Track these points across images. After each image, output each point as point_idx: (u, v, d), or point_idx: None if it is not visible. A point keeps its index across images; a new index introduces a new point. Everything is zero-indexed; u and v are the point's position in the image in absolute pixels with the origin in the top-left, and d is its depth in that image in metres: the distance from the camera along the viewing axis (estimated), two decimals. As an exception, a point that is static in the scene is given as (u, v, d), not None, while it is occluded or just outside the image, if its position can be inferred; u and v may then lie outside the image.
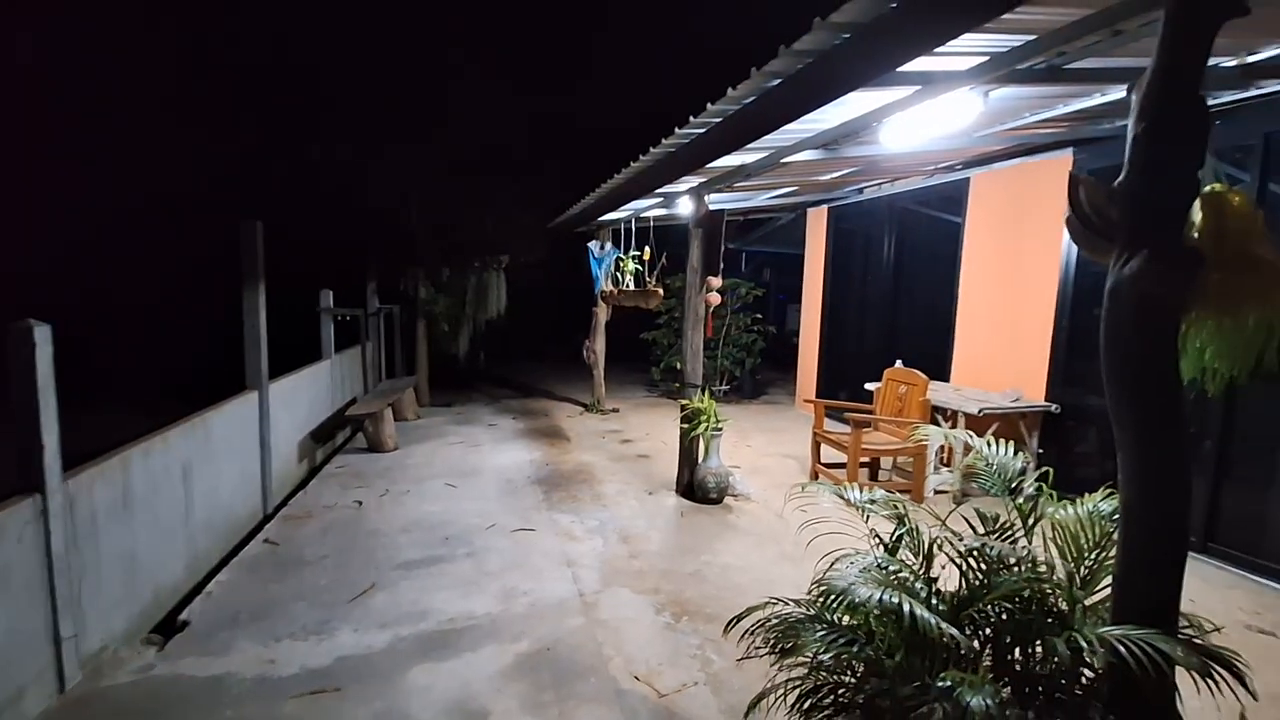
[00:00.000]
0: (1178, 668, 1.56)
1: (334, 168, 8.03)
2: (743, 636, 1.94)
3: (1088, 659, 1.70)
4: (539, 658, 2.93)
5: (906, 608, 1.55)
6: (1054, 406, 5.01)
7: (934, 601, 1.84)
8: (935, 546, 2.00)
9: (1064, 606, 1.84)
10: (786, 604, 2.03)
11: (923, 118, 3.10)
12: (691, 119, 3.13)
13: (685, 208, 5.88)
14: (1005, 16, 1.97)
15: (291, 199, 7.99)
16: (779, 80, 2.52)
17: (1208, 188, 1.56)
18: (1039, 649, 1.82)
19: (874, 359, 7.02)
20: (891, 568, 1.91)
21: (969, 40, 2.25)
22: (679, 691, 2.70)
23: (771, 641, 1.92)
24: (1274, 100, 3.56)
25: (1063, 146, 4.96)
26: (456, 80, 8.76)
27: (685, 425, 5.18)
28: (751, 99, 2.78)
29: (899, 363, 5.73)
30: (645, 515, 4.80)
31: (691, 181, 5.06)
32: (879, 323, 7.65)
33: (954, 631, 1.56)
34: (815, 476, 5.55)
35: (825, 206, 8.34)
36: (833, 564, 1.94)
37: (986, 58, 2.33)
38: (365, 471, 5.74)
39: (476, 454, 6.48)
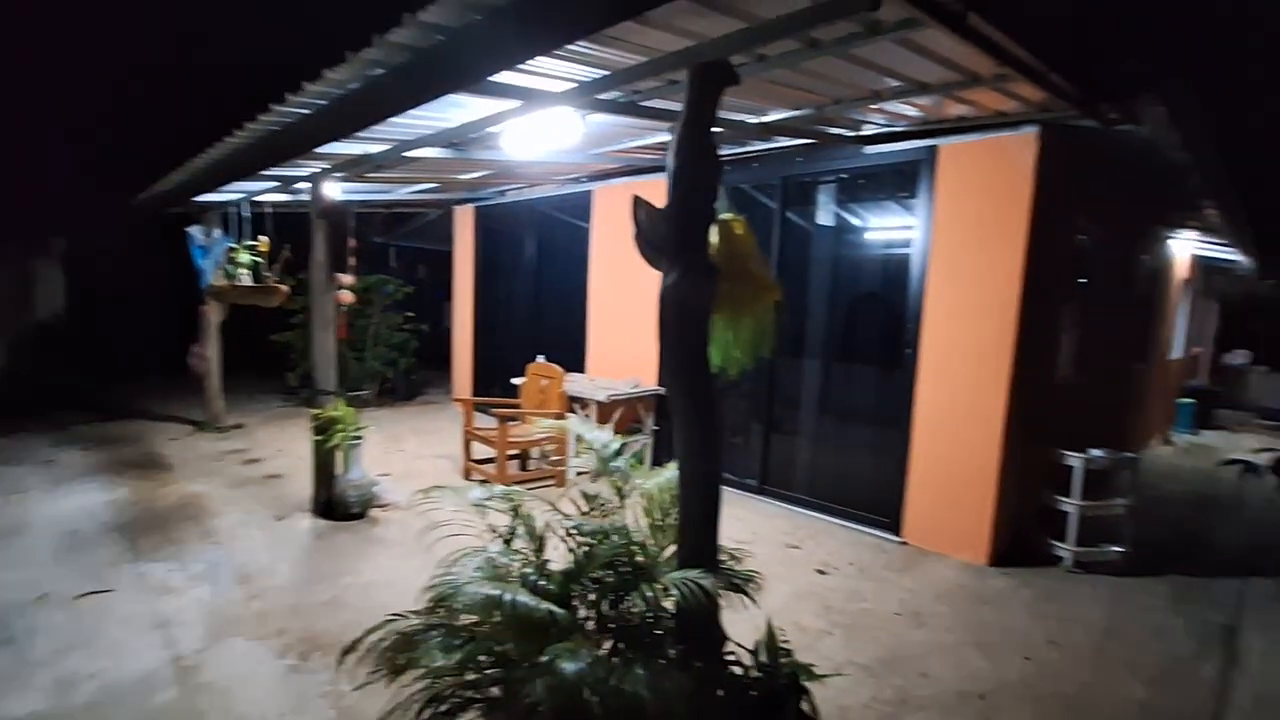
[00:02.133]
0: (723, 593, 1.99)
1: None
2: (362, 660, 1.82)
3: (663, 604, 2.03)
4: (104, 757, 2.31)
5: (507, 596, 1.64)
6: (665, 390, 5.93)
7: (543, 583, 1.99)
8: (548, 530, 2.17)
9: (647, 562, 2.17)
10: (406, 617, 1.97)
11: (536, 131, 3.32)
12: (289, 97, 2.80)
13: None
14: (584, 51, 2.21)
15: None
16: (382, 70, 2.41)
17: (721, 216, 1.98)
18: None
19: (524, 355, 7.35)
20: (504, 559, 2.00)
21: (558, 66, 2.47)
22: (302, 739, 2.42)
23: (389, 659, 1.84)
24: (787, 152, 4.77)
25: (662, 170, 5.86)
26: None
27: (319, 437, 4.67)
28: (356, 85, 2.61)
29: (541, 358, 6.10)
30: (272, 546, 4.18)
31: (312, 167, 4.55)
32: (526, 320, 8.03)
33: (551, 608, 1.70)
34: (468, 475, 5.57)
35: (471, 205, 8.38)
36: (449, 566, 1.95)
37: (575, 84, 2.60)
38: None
39: (17, 506, 4.81)
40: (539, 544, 2.14)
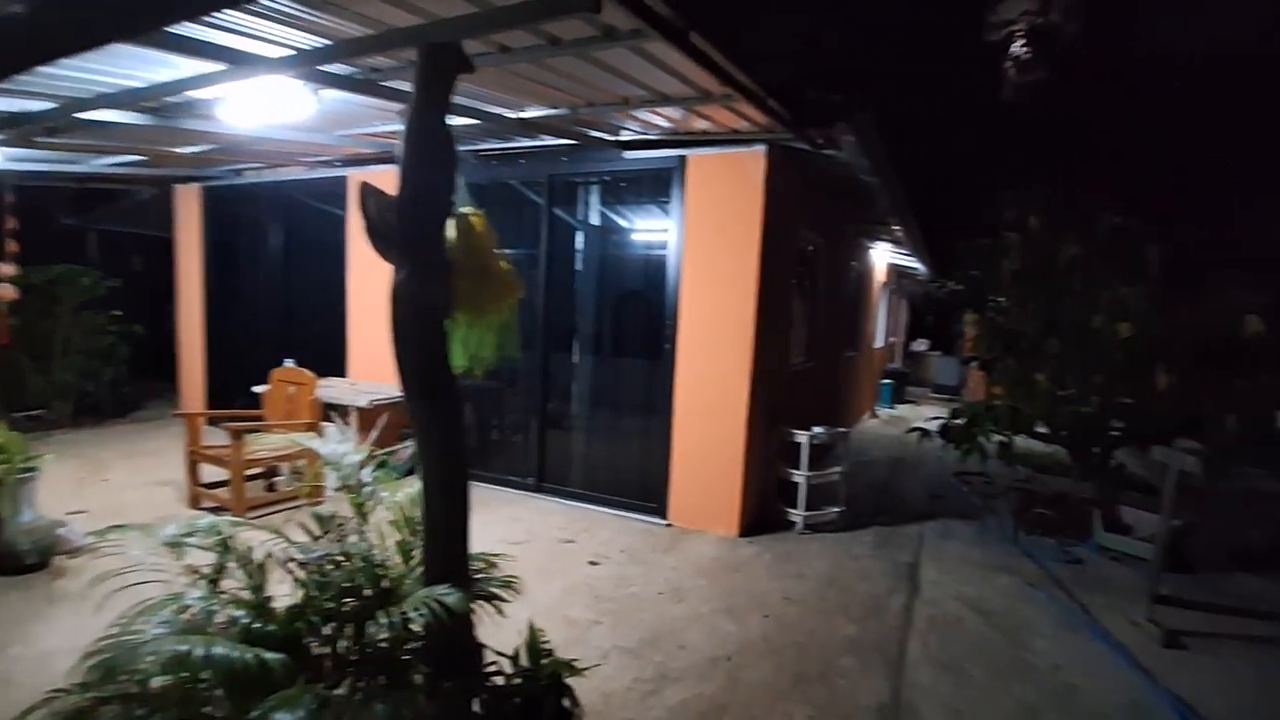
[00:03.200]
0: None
1: None
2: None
3: (411, 626, 1.89)
4: None
5: (198, 650, 1.38)
6: (403, 394, 5.62)
7: (260, 625, 1.72)
8: (270, 562, 1.89)
9: (393, 584, 2.01)
10: (71, 693, 1.57)
11: (259, 102, 2.89)
12: None
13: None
14: (299, 14, 1.95)
15: None
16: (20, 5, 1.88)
17: (461, 210, 1.89)
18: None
19: (273, 359, 6.44)
20: (208, 604, 1.70)
21: (272, 29, 2.16)
22: None
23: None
24: (552, 151, 4.80)
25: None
26: None
27: (-38, 476, 3.59)
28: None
29: (289, 362, 5.40)
30: (-118, 627, 3.11)
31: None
32: (273, 319, 7.06)
33: (259, 654, 1.47)
34: (196, 503, 4.72)
35: (197, 185, 7.12)
36: (130, 621, 1.60)
37: (294, 51, 2.30)
38: None
39: None
40: (257, 580, 1.86)
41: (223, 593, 1.79)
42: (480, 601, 2.02)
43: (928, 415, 9.95)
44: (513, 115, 3.54)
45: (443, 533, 1.90)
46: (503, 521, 4.60)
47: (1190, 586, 4.06)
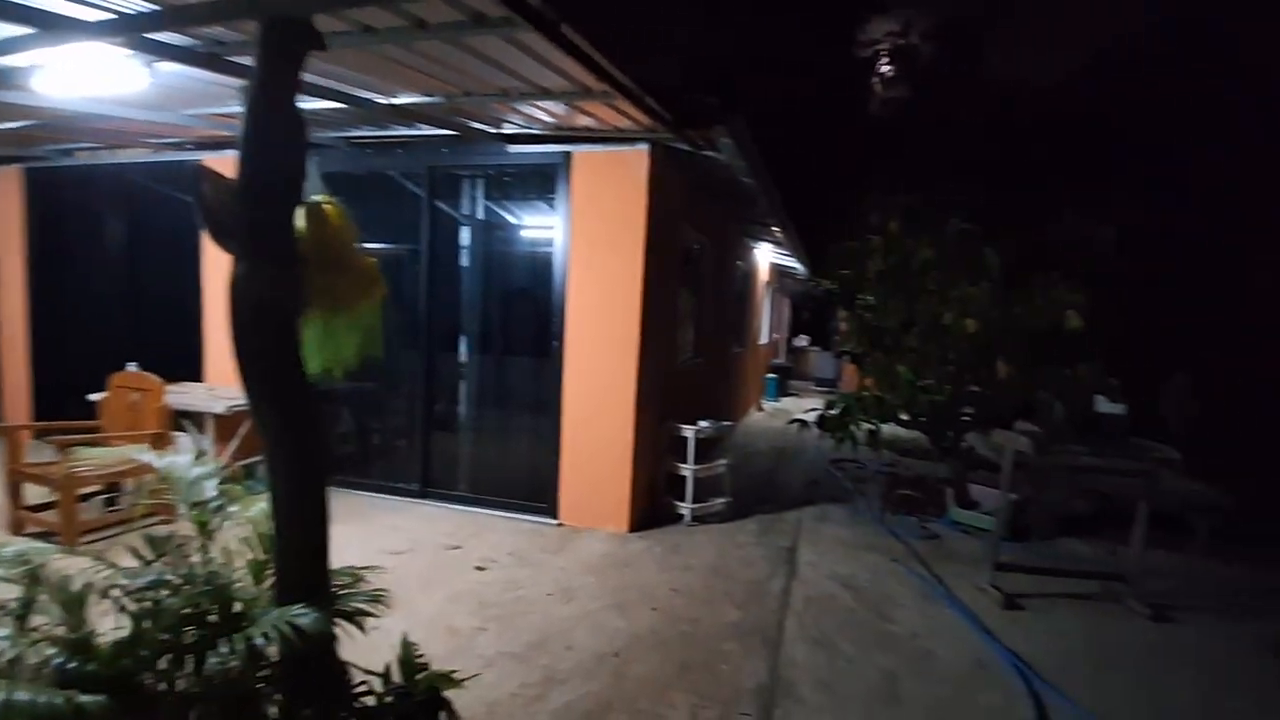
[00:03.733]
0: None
1: None
2: None
3: (265, 652, 1.73)
4: None
5: (-9, 699, 1.19)
6: (246, 400, 5.23)
7: (76, 664, 1.52)
8: (92, 593, 1.67)
9: (245, 607, 1.84)
10: None
11: (79, 71, 2.55)
12: None
13: None
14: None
15: None
16: None
17: (314, 199, 1.76)
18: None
19: (114, 363, 5.73)
20: (13, 647, 1.47)
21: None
22: None
23: None
24: (434, 140, 4.61)
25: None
26: None
27: None
28: None
29: (132, 366, 4.82)
30: None
31: None
32: (116, 319, 6.28)
33: (70, 697, 1.30)
34: (19, 528, 4.11)
35: (17, 167, 6.20)
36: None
37: (114, 15, 2.04)
38: None
39: None
40: (75, 614, 1.64)
41: (33, 630, 1.56)
42: (345, 619, 1.89)
43: (808, 407, 10.52)
44: (384, 101, 3.35)
45: (297, 549, 1.76)
46: (383, 531, 4.36)
47: (1026, 553, 4.57)
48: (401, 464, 5.19)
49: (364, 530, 4.34)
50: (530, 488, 4.77)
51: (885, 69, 17.18)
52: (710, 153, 3.94)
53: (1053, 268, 4.68)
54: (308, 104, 3.50)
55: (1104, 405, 5.14)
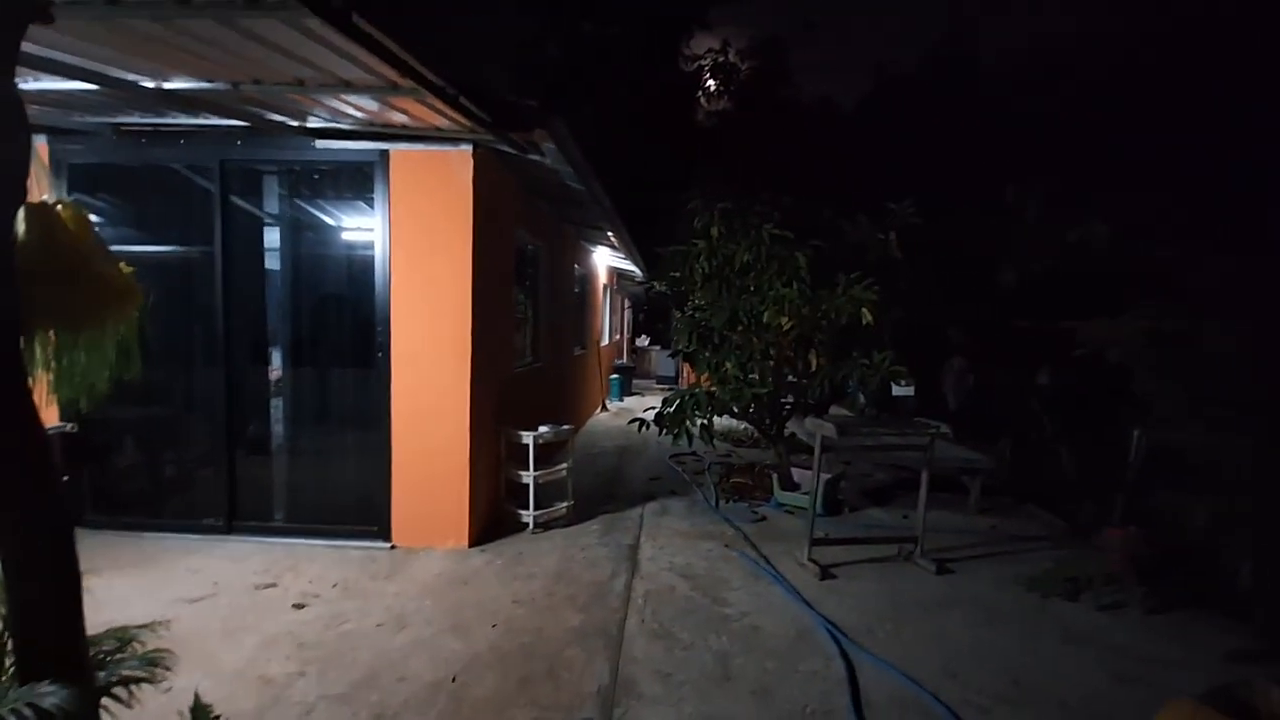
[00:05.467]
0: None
1: None
2: None
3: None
4: None
5: None
6: (69, 426, 4.42)
7: None
8: None
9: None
10: None
11: None
12: None
13: None
14: None
15: None
16: None
17: (42, 199, 1.47)
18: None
19: None
20: None
21: None
22: None
23: None
24: (226, 132, 4.09)
25: (38, 132, 4.28)
26: None
27: None
28: None
29: None
30: None
31: None
32: None
33: None
34: None
35: None
36: None
37: None
38: None
39: None
40: None
41: None
42: (110, 692, 1.61)
43: (649, 405, 10.89)
44: (151, 85, 2.90)
45: (38, 616, 1.47)
46: (180, 576, 3.80)
47: (839, 526, 5.08)
48: (204, 496, 4.55)
49: (154, 578, 3.75)
50: (358, 510, 4.42)
51: (708, 83, 18.35)
52: (535, 156, 3.90)
53: (851, 268, 5.24)
54: (44, 84, 2.94)
55: (897, 389, 5.88)
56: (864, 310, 4.97)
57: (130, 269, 1.62)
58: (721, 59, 18.49)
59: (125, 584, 3.67)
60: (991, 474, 5.78)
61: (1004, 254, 5.65)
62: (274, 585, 3.76)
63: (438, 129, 3.70)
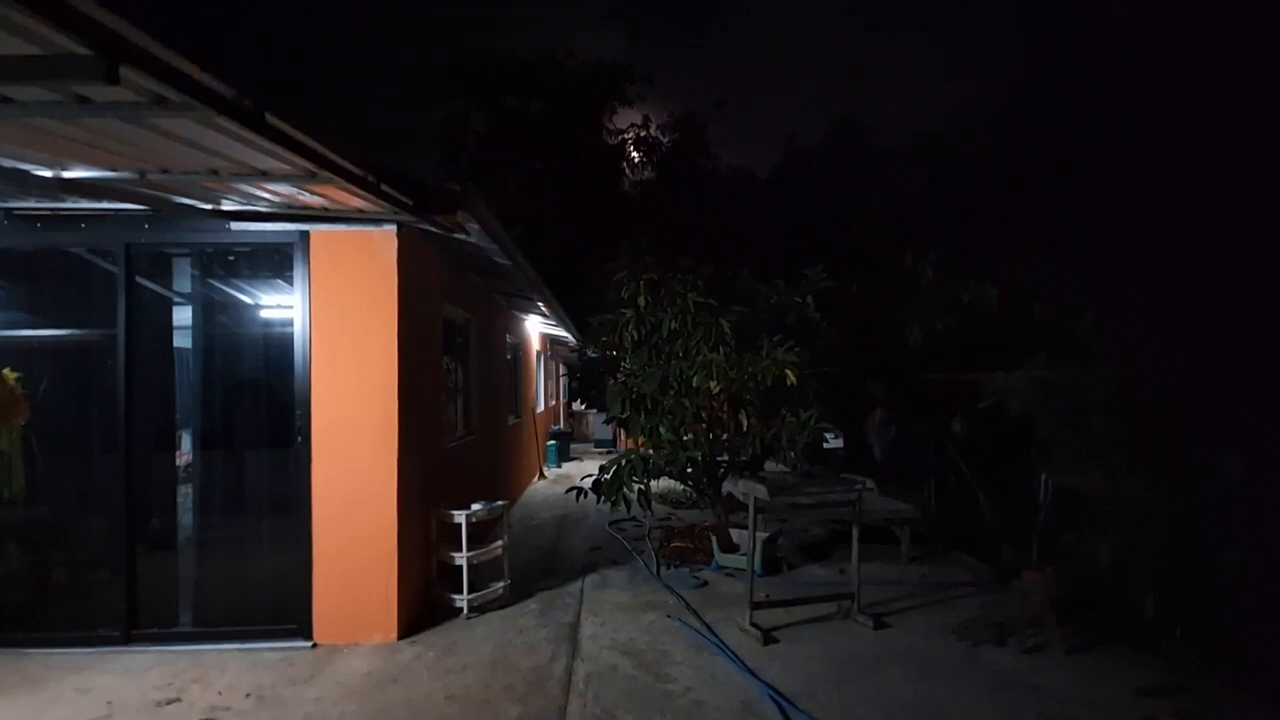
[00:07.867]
0: None
1: None
2: None
3: None
4: None
5: None
6: None
7: None
8: None
9: None
10: None
11: None
12: None
13: None
14: None
15: None
16: None
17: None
18: None
19: None
20: None
21: None
22: None
23: None
24: (132, 216, 3.96)
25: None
26: None
27: None
28: None
29: None
30: None
31: None
32: None
33: None
34: None
35: None
36: None
37: None
38: None
39: None
40: None
41: None
42: None
43: (587, 471, 10.77)
44: (49, 174, 2.80)
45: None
46: (66, 698, 3.41)
47: (780, 585, 5.10)
48: (98, 603, 4.13)
49: (34, 702, 3.35)
50: (275, 607, 4.12)
51: (633, 154, 19.22)
52: (460, 235, 3.95)
53: (773, 331, 5.48)
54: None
55: (829, 442, 6.07)
56: (788, 371, 5.17)
57: (16, 375, 1.53)
58: (644, 133, 19.45)
59: (2, 712, 3.26)
60: (919, 522, 5.98)
61: (909, 313, 6.05)
62: (178, 700, 3.42)
63: (360, 210, 3.71)
